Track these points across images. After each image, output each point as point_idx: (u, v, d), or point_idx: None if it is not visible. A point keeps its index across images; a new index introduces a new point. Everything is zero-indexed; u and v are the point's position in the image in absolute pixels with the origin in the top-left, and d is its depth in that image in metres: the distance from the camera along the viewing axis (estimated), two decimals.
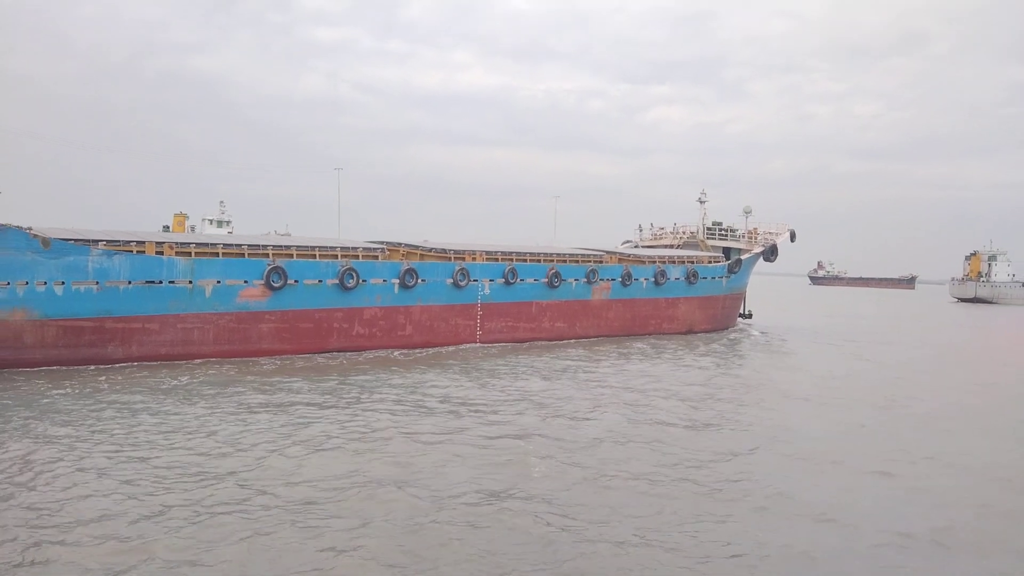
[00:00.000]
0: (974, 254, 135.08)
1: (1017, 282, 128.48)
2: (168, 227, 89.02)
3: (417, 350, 36.68)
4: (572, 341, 42.61)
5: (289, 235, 73.08)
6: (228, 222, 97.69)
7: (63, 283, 28.18)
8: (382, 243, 39.66)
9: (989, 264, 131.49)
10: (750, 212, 54.45)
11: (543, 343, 41.45)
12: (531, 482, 15.01)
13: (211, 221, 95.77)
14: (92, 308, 28.75)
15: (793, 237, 53.81)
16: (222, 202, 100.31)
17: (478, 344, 39.62)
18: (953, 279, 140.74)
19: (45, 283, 27.85)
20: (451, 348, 37.97)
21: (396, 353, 35.28)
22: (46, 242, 27.92)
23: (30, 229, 28.05)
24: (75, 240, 29.09)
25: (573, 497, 14.08)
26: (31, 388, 23.53)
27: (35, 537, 11.42)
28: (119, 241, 30.63)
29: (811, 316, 71.41)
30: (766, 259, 52.58)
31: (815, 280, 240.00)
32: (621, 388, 26.84)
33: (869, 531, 12.80)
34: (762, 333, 50.03)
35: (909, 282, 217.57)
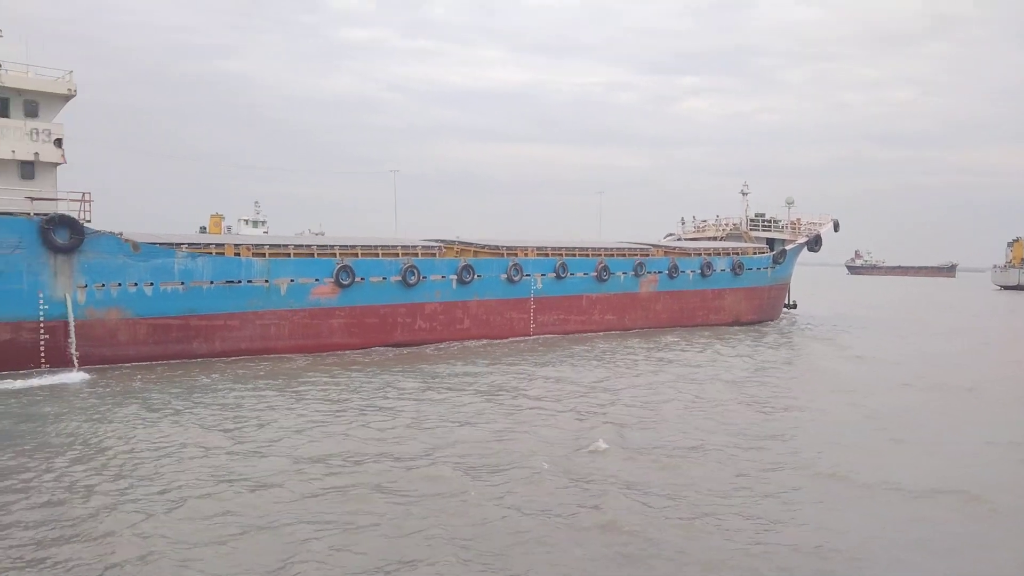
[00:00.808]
0: (1017, 240, 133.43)
1: None
2: (205, 228, 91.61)
3: (481, 341, 38.46)
4: (627, 332, 44.04)
5: (323, 234, 75.15)
6: (264, 222, 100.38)
7: (152, 284, 30.33)
8: (437, 241, 41.46)
9: None
10: (792, 203, 55.41)
11: (594, 334, 42.90)
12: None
13: (247, 221, 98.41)
14: (178, 307, 30.88)
15: (837, 227, 54.82)
16: (257, 202, 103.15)
17: (532, 337, 41.25)
18: (995, 266, 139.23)
19: (136, 284, 30.00)
20: (508, 340, 39.62)
21: (463, 344, 37.05)
22: (136, 246, 30.09)
23: (121, 234, 30.20)
24: (161, 244, 31.25)
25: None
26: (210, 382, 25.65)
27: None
28: (199, 244, 32.82)
29: (854, 306, 72.06)
30: (810, 249, 53.64)
31: (852, 269, 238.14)
32: (699, 381, 28.35)
33: None
34: (810, 325, 50.84)
35: (949, 270, 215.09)
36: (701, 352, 35.98)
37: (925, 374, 30.35)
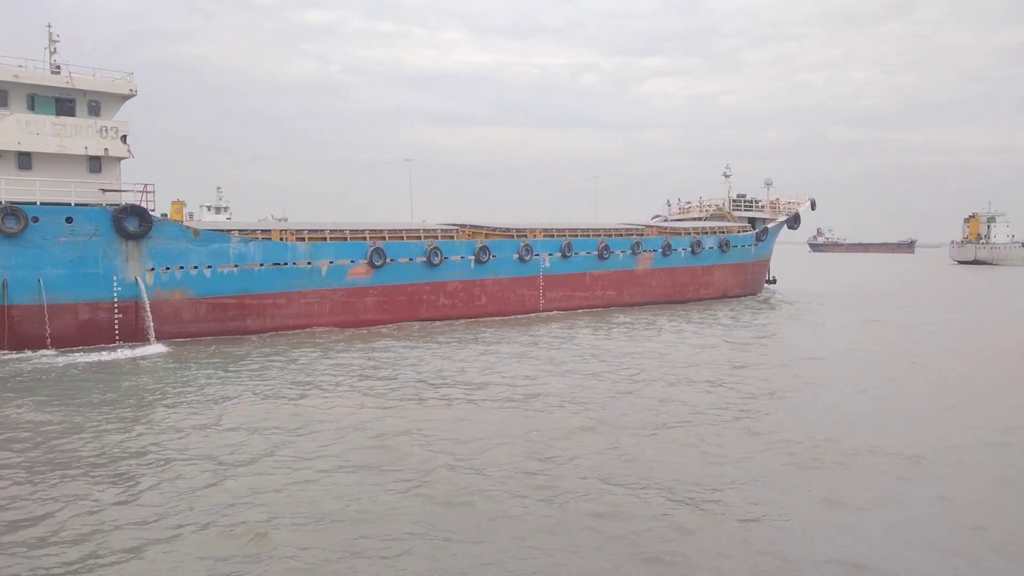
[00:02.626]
0: (973, 216, 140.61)
1: (1016, 243, 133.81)
2: (166, 215, 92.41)
3: (498, 316, 42.31)
4: (633, 306, 48.17)
5: (286, 219, 76.84)
6: (226, 208, 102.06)
7: (210, 267, 33.59)
8: (453, 224, 45.04)
9: (988, 226, 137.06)
10: (771, 184, 60.08)
11: (598, 309, 46.95)
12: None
13: (209, 208, 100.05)
14: (234, 287, 34.21)
15: (814, 206, 59.64)
16: (219, 188, 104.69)
17: (542, 312, 45.14)
18: (953, 242, 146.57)
19: (196, 267, 33.25)
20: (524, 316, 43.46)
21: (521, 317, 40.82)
22: (196, 232, 33.32)
23: (182, 222, 33.35)
24: (217, 230, 34.44)
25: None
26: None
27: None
28: (248, 230, 36.05)
29: (826, 282, 77.40)
30: (790, 227, 58.40)
31: (815, 247, 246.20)
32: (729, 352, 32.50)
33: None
34: (800, 300, 54.46)
35: (908, 246, 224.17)
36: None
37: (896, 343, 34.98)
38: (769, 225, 57.68)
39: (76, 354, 28.36)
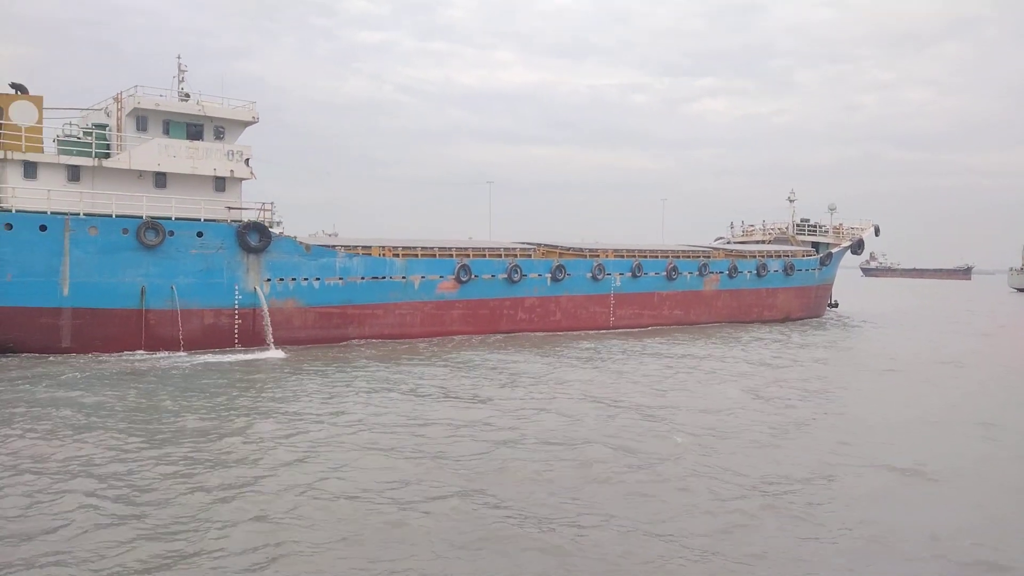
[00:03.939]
0: None
1: None
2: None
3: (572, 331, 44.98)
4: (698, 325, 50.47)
5: (336, 235, 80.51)
6: (279, 223, 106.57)
7: (319, 279, 36.94)
8: (529, 243, 47.96)
9: None
10: (834, 209, 61.89)
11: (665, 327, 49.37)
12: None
13: None
14: (338, 298, 37.51)
15: (877, 232, 61.36)
16: (272, 203, 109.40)
17: (612, 329, 47.70)
18: (1011, 269, 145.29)
19: (307, 279, 36.63)
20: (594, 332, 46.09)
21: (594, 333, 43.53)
22: (308, 247, 36.74)
23: (295, 237, 36.77)
24: (325, 246, 37.88)
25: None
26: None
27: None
28: (350, 246, 39.40)
29: (887, 306, 78.46)
30: (854, 252, 60.26)
31: (867, 272, 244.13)
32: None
33: None
34: (865, 322, 56.07)
35: (965, 272, 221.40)
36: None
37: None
38: (833, 250, 59.52)
39: (211, 355, 31.84)
